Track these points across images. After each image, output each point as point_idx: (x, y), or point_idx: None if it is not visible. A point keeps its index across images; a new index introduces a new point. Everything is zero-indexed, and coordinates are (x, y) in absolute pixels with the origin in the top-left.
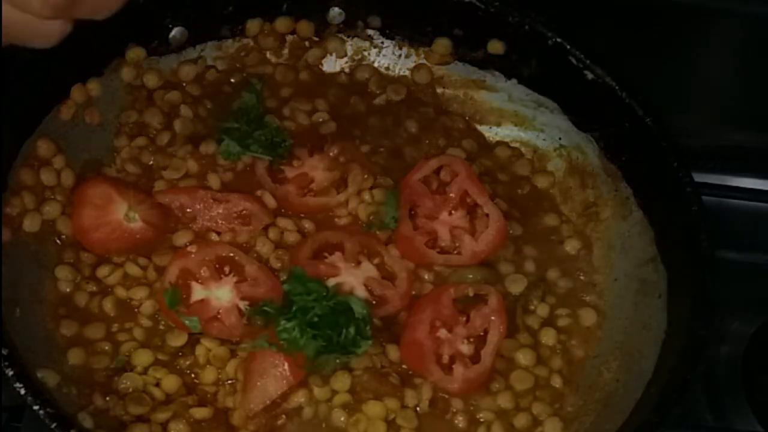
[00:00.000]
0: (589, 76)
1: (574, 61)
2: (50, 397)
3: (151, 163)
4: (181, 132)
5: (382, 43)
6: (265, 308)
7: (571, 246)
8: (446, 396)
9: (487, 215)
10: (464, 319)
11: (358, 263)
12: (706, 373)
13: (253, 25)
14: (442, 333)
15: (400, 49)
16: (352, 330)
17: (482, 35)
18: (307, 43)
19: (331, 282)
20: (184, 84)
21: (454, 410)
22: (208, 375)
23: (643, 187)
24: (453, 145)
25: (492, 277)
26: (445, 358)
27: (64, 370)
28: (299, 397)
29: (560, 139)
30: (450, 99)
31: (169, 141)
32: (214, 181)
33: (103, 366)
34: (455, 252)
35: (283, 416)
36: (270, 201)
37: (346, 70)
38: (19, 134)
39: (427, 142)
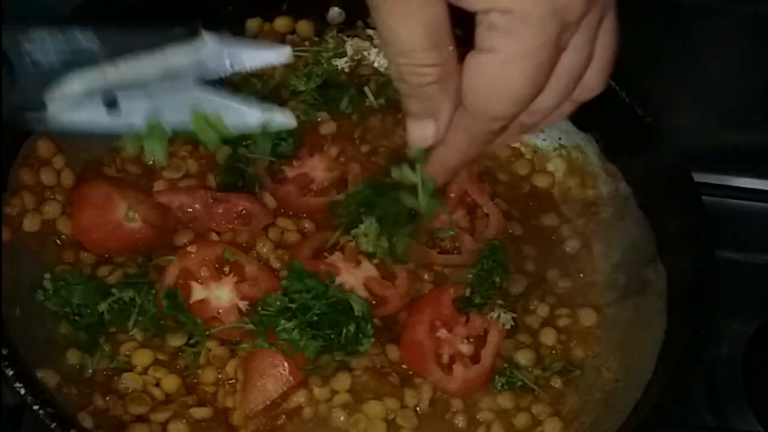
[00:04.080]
0: None
1: None
2: (50, 397)
3: (151, 163)
4: None
5: None
6: (264, 310)
7: (571, 246)
8: (446, 396)
9: (487, 215)
10: (464, 319)
11: (358, 263)
12: (706, 373)
13: (253, 25)
14: (442, 333)
15: None
16: (352, 328)
17: None
18: (307, 43)
19: None
20: None
21: (454, 410)
22: (208, 375)
23: (643, 187)
24: None
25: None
26: (445, 358)
27: (64, 370)
28: (299, 397)
29: (560, 139)
30: None
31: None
32: (213, 181)
33: (103, 366)
34: (455, 252)
35: (283, 416)
36: (270, 201)
37: (346, 70)
38: (19, 134)
39: None
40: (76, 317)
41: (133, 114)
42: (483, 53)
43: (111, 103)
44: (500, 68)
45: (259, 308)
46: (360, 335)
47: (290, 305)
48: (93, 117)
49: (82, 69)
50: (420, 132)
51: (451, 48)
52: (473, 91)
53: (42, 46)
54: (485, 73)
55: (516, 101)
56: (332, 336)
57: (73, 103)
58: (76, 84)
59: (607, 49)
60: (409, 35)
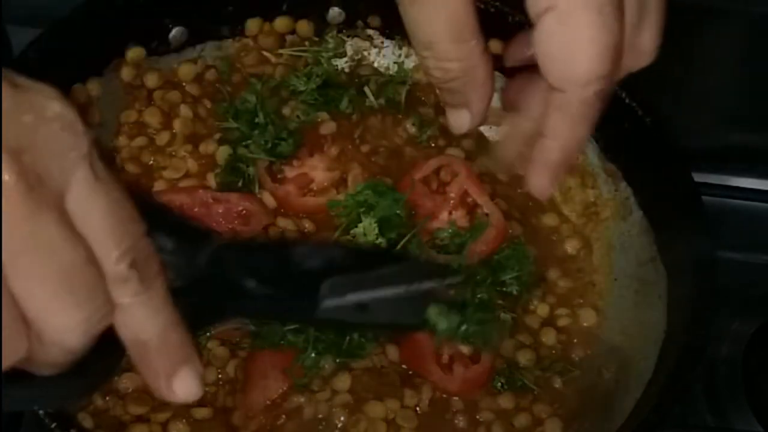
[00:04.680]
0: None
1: None
2: None
3: (151, 163)
4: (181, 132)
5: (382, 43)
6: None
7: (571, 246)
8: (446, 396)
9: (487, 215)
10: None
11: None
12: (706, 373)
13: (252, 25)
14: None
15: (400, 49)
16: (355, 336)
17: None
18: (307, 43)
19: None
20: (184, 84)
21: (454, 410)
22: (208, 375)
23: (643, 187)
24: (453, 145)
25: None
26: (445, 358)
27: None
28: (299, 397)
29: None
30: None
31: (169, 141)
32: (213, 181)
33: None
34: (455, 252)
35: (283, 416)
36: (270, 201)
37: (346, 70)
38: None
39: (427, 141)
40: None
41: (379, 312)
42: (542, 18)
43: (361, 307)
44: (565, 23)
45: None
46: (363, 340)
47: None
48: (347, 314)
49: (340, 276)
50: (456, 121)
51: (474, 42)
52: (550, 61)
53: (309, 257)
54: (553, 36)
55: (598, 53)
56: (335, 340)
57: (334, 304)
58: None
59: (657, 7)
60: (430, 28)
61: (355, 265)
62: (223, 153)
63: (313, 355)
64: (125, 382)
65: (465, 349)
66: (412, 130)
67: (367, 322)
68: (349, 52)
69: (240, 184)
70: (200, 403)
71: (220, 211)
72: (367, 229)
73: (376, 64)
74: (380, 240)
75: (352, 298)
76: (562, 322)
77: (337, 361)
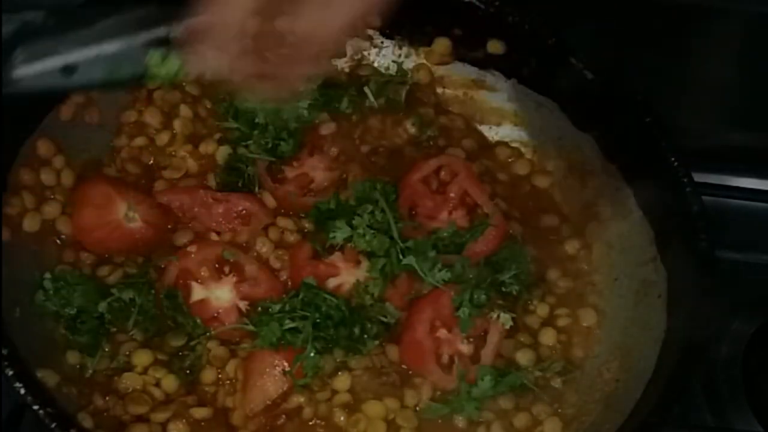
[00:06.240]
0: (589, 76)
1: (574, 61)
2: (50, 397)
3: (151, 163)
4: (181, 132)
5: (382, 43)
6: (266, 309)
7: (571, 246)
8: (446, 396)
9: (487, 215)
10: None
11: (358, 263)
12: (706, 373)
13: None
14: (442, 333)
15: (400, 49)
16: (357, 330)
17: (482, 35)
18: None
19: (332, 282)
20: (184, 84)
21: None
22: (208, 375)
23: (643, 187)
24: (453, 145)
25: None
26: (445, 358)
27: (64, 370)
28: (299, 397)
29: (560, 139)
30: (450, 99)
31: (169, 141)
32: (213, 181)
33: (103, 366)
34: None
35: (283, 416)
36: (270, 201)
37: (346, 70)
38: (19, 134)
39: (427, 141)
40: (77, 323)
41: (91, 71)
42: None
43: (69, 69)
44: None
45: (260, 311)
46: (365, 336)
47: (296, 316)
48: (52, 80)
49: (35, 40)
50: None
51: None
52: None
53: None
54: None
55: None
56: (336, 337)
57: (31, 71)
58: (30, 52)
59: None
60: None
61: (56, 26)
62: (223, 153)
63: (312, 354)
64: (125, 383)
65: (465, 349)
66: (412, 130)
67: (79, 84)
68: (349, 52)
69: (240, 184)
70: (200, 403)
71: (220, 211)
72: (360, 228)
73: (376, 64)
74: (375, 239)
75: (57, 61)
76: (562, 322)
77: (336, 359)
